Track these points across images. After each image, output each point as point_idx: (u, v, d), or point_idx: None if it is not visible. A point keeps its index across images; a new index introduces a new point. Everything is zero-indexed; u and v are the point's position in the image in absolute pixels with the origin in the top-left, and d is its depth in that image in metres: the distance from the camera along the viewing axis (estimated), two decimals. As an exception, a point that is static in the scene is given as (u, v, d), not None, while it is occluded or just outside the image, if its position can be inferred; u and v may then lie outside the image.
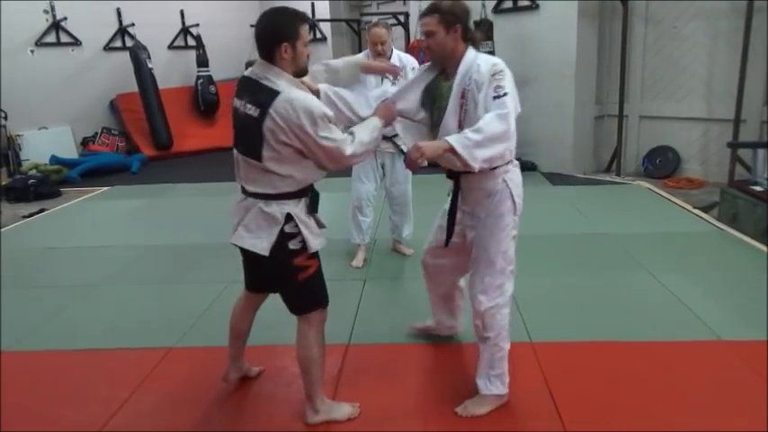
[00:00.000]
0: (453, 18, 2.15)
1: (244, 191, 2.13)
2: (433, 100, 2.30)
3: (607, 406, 2.38)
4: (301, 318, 2.24)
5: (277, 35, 1.97)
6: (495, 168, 2.20)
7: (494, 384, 2.32)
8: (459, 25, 2.17)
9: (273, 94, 1.94)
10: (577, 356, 2.78)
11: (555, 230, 4.71)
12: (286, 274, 2.14)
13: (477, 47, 2.23)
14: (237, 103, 2.04)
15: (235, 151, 2.11)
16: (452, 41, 2.17)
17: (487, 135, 2.03)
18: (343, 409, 2.36)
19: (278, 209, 2.04)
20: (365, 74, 2.39)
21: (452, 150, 2.02)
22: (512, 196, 2.25)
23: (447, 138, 2.05)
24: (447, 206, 2.41)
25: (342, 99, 2.25)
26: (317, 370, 2.27)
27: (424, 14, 2.19)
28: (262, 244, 2.06)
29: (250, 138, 1.99)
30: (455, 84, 2.16)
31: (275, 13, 2.02)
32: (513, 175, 2.28)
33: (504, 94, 2.06)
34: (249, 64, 9.76)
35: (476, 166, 2.04)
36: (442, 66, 2.26)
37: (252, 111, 1.97)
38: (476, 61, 2.14)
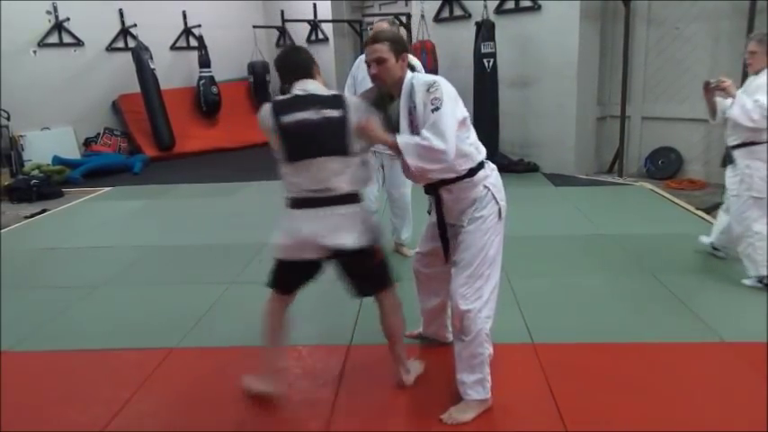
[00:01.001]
0: (401, 47, 2.19)
1: (318, 198, 2.22)
2: (387, 120, 2.28)
3: (609, 407, 2.38)
4: (386, 292, 2.44)
5: (312, 59, 2.33)
6: (473, 176, 2.22)
7: (474, 390, 2.30)
8: (406, 53, 2.21)
9: (341, 97, 2.24)
10: (579, 358, 2.77)
11: (557, 231, 4.71)
12: (371, 261, 2.34)
13: (412, 70, 2.27)
14: (304, 114, 2.17)
15: (293, 164, 2.20)
16: (400, 69, 2.19)
17: (427, 147, 2.05)
18: (418, 366, 2.63)
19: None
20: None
21: (397, 150, 2.10)
22: (495, 200, 2.25)
23: (398, 138, 2.11)
24: (433, 219, 2.41)
25: None
26: (402, 334, 2.54)
27: (372, 41, 2.20)
28: (360, 239, 2.26)
29: (335, 136, 2.18)
30: (401, 104, 2.19)
31: (304, 49, 2.42)
32: (494, 179, 2.29)
33: (440, 107, 2.06)
34: (251, 65, 9.84)
35: (411, 164, 2.10)
36: (390, 91, 2.26)
37: (332, 113, 2.17)
38: (411, 82, 2.16)
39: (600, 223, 4.86)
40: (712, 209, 5.11)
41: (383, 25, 3.79)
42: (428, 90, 2.09)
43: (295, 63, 2.29)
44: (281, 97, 2.26)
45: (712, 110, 3.57)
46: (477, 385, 2.29)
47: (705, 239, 3.99)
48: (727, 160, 3.57)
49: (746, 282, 3.48)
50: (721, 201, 5.06)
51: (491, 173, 2.29)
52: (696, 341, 2.90)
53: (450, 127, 2.06)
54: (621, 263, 3.98)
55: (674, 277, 3.64)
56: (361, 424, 2.34)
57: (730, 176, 3.53)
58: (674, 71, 6.25)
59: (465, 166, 2.21)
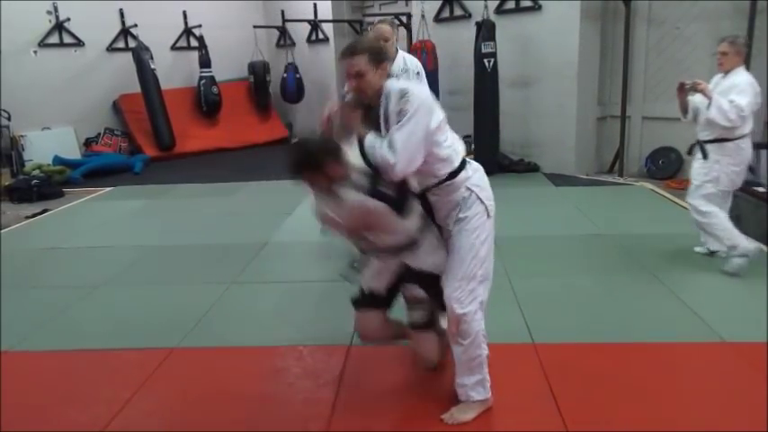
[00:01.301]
0: (380, 57, 2.12)
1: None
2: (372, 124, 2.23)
3: (609, 407, 2.38)
4: None
5: None
6: (454, 178, 2.18)
7: (475, 391, 2.30)
8: (385, 62, 2.14)
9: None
10: (580, 358, 2.77)
11: (557, 231, 4.71)
12: None
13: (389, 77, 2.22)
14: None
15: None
16: (380, 78, 2.12)
17: (379, 155, 2.02)
18: None
19: None
20: None
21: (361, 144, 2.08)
22: (480, 200, 2.22)
23: (368, 136, 2.07)
24: None
25: None
26: None
27: (349, 54, 2.10)
28: None
29: None
30: (380, 110, 2.11)
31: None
32: (477, 180, 2.24)
33: (406, 121, 2.01)
34: (252, 65, 9.85)
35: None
36: (370, 101, 2.16)
37: None
38: (387, 90, 2.10)
39: (600, 223, 4.86)
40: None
41: (384, 26, 3.78)
42: (400, 99, 2.05)
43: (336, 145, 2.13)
44: (358, 182, 2.07)
45: (684, 109, 3.85)
46: (477, 386, 2.30)
47: (700, 249, 4.03)
48: (700, 153, 3.75)
49: (727, 268, 3.65)
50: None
51: (473, 174, 2.24)
52: (696, 341, 2.90)
53: (408, 143, 2.00)
54: (622, 263, 3.98)
55: (674, 277, 3.64)
56: (362, 424, 2.34)
57: (698, 167, 3.77)
58: (674, 71, 6.23)
59: (444, 170, 2.16)
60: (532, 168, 6.92)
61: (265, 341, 3.07)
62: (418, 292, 2.30)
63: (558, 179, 6.52)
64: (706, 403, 2.41)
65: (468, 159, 2.27)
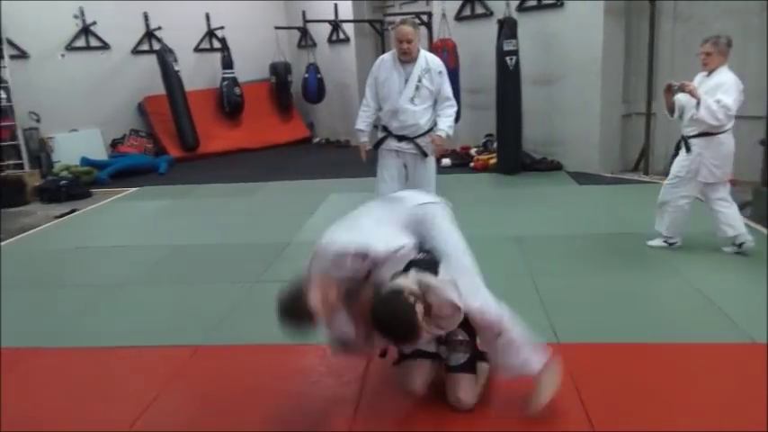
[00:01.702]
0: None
1: None
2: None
3: (636, 407, 2.34)
4: None
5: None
6: None
7: (536, 358, 2.27)
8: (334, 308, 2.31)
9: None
10: (606, 358, 2.74)
11: (582, 230, 4.66)
12: None
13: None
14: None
15: None
16: (336, 295, 2.28)
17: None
18: None
19: None
20: None
21: None
22: (433, 203, 2.47)
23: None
24: None
25: None
26: None
27: (296, 312, 2.33)
28: None
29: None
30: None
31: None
32: (417, 197, 2.51)
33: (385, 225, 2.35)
34: (273, 66, 9.90)
35: None
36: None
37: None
38: (350, 265, 2.22)
39: (625, 222, 4.80)
40: (741, 207, 4.99)
41: (406, 28, 3.77)
42: (361, 262, 2.17)
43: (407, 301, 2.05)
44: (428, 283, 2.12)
45: (670, 108, 3.97)
46: (533, 356, 2.26)
47: (728, 249, 3.99)
48: (684, 148, 3.88)
49: (652, 243, 4.08)
50: (749, 198, 4.99)
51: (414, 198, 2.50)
52: (726, 342, 2.84)
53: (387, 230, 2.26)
54: (649, 262, 3.92)
55: (702, 277, 3.58)
56: (386, 423, 2.35)
57: (680, 160, 3.92)
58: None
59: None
60: (555, 167, 6.85)
61: (289, 339, 3.08)
62: (462, 334, 2.33)
63: (582, 178, 6.44)
64: (736, 405, 2.36)
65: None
